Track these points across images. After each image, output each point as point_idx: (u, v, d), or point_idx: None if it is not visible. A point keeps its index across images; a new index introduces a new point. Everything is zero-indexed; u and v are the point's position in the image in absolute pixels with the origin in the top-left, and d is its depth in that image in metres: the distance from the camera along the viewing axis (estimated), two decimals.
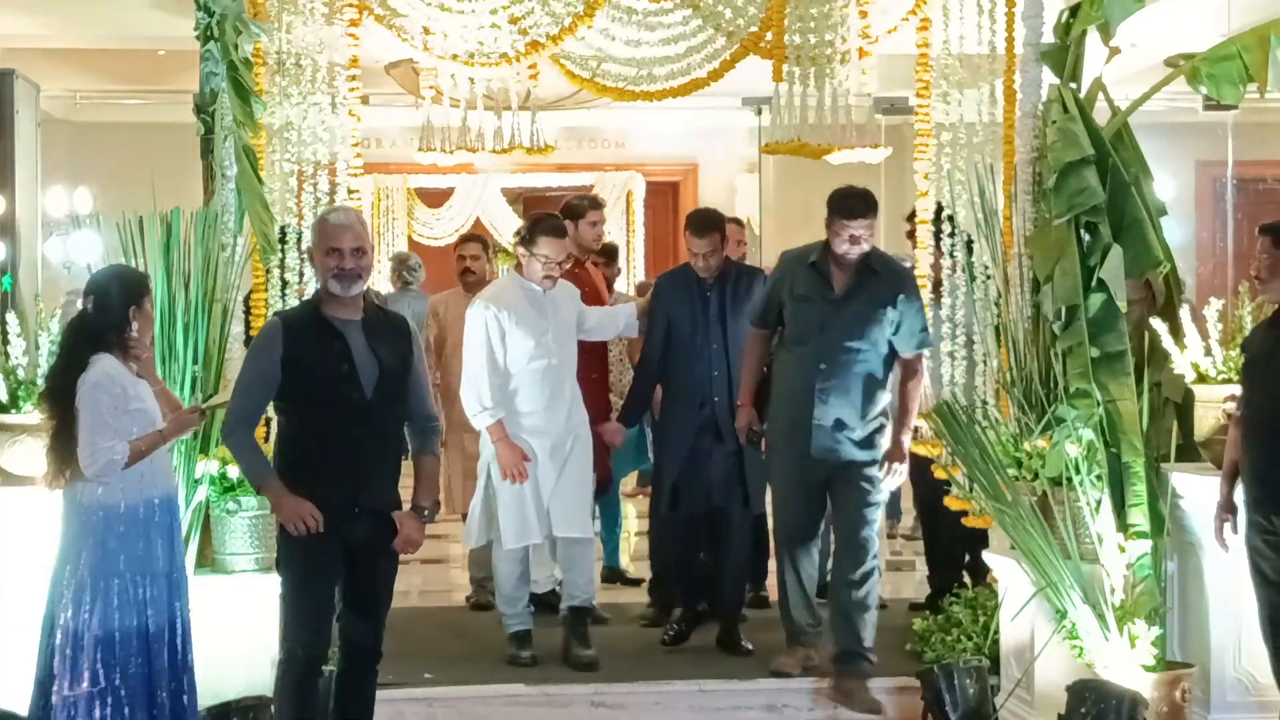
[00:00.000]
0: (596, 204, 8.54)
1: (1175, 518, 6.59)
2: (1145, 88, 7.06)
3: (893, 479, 6.97)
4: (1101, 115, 6.99)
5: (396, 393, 5.60)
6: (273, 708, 5.58)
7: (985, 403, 7.22)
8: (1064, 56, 7.02)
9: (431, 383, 8.70)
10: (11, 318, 6.53)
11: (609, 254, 9.51)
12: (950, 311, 7.53)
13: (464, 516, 8.53)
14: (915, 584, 9.10)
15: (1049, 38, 7.11)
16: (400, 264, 13.20)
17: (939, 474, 7.21)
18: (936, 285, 7.76)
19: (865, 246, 6.72)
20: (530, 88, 10.97)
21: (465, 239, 9.42)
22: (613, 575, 9.19)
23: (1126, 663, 6.21)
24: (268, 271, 7.15)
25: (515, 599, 7.36)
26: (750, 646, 7.43)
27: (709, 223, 7.46)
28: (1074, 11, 6.98)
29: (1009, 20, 7.29)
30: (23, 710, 5.89)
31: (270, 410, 5.81)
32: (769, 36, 8.17)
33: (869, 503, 6.84)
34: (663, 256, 17.16)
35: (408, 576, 8.66)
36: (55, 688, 5.50)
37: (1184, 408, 6.78)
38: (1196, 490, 6.46)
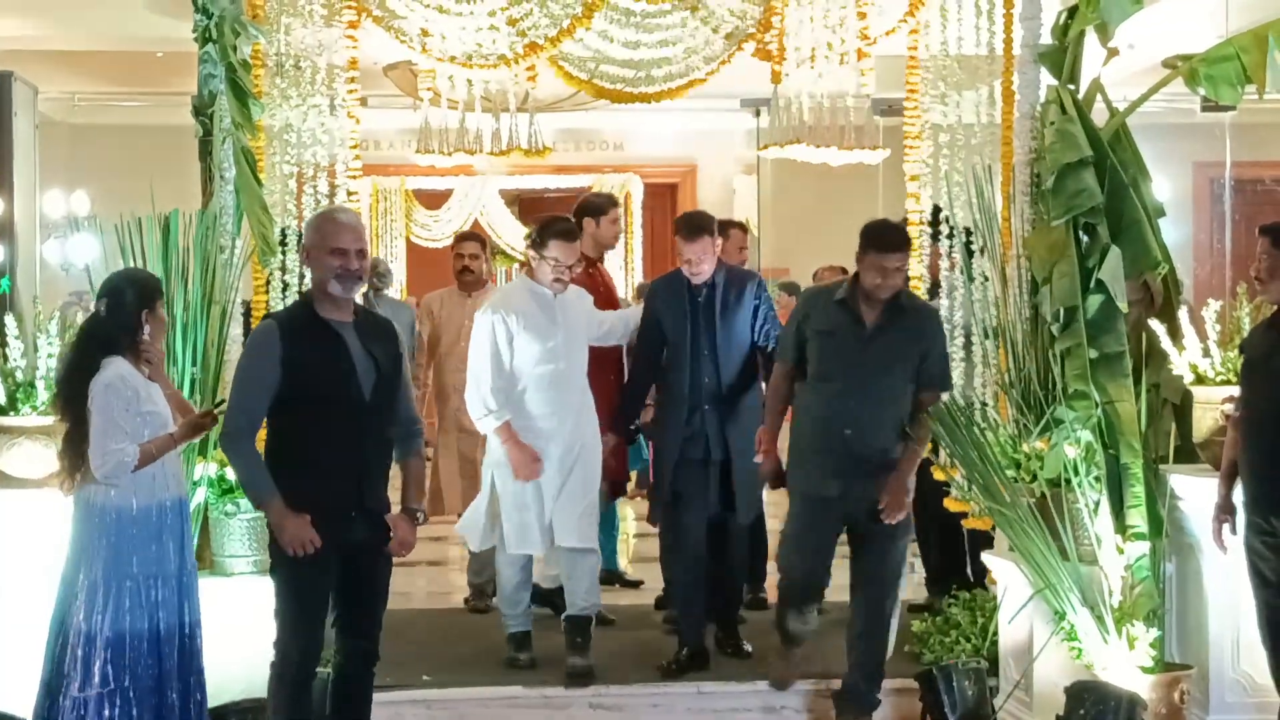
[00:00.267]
0: (615, 202, 8.42)
1: (1173, 519, 6.59)
2: (1143, 89, 7.06)
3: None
4: (1100, 116, 6.99)
5: (391, 394, 5.59)
6: (270, 709, 5.56)
7: (985, 404, 7.21)
8: (1062, 57, 7.02)
9: (423, 383, 8.75)
10: (10, 320, 6.53)
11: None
12: (949, 313, 7.52)
13: (459, 516, 8.55)
14: (914, 584, 9.08)
15: (1047, 39, 7.11)
16: (370, 270, 13.13)
17: (938, 475, 7.21)
18: (934, 287, 7.75)
19: (898, 282, 6.48)
20: (528, 89, 10.98)
21: (463, 237, 9.32)
22: (610, 578, 9.18)
23: (1125, 664, 6.21)
24: (269, 274, 7.14)
25: (516, 600, 7.30)
26: (750, 648, 7.38)
27: (698, 226, 7.24)
28: (1072, 13, 6.98)
29: (1007, 21, 7.28)
30: (21, 711, 5.90)
31: None
32: (768, 38, 8.17)
33: (898, 541, 6.61)
34: (661, 258, 17.15)
35: (410, 579, 8.67)
36: (65, 688, 5.52)
37: (1182, 409, 6.78)
38: (1195, 491, 6.46)
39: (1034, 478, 6.48)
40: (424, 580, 10.15)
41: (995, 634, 6.86)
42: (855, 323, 6.48)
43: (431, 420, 8.68)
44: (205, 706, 5.75)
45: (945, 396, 6.62)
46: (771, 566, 8.54)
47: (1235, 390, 6.20)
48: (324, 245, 5.45)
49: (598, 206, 8.14)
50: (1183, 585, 6.63)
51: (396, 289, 17.92)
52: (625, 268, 17.04)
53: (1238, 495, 6.01)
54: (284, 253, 7.15)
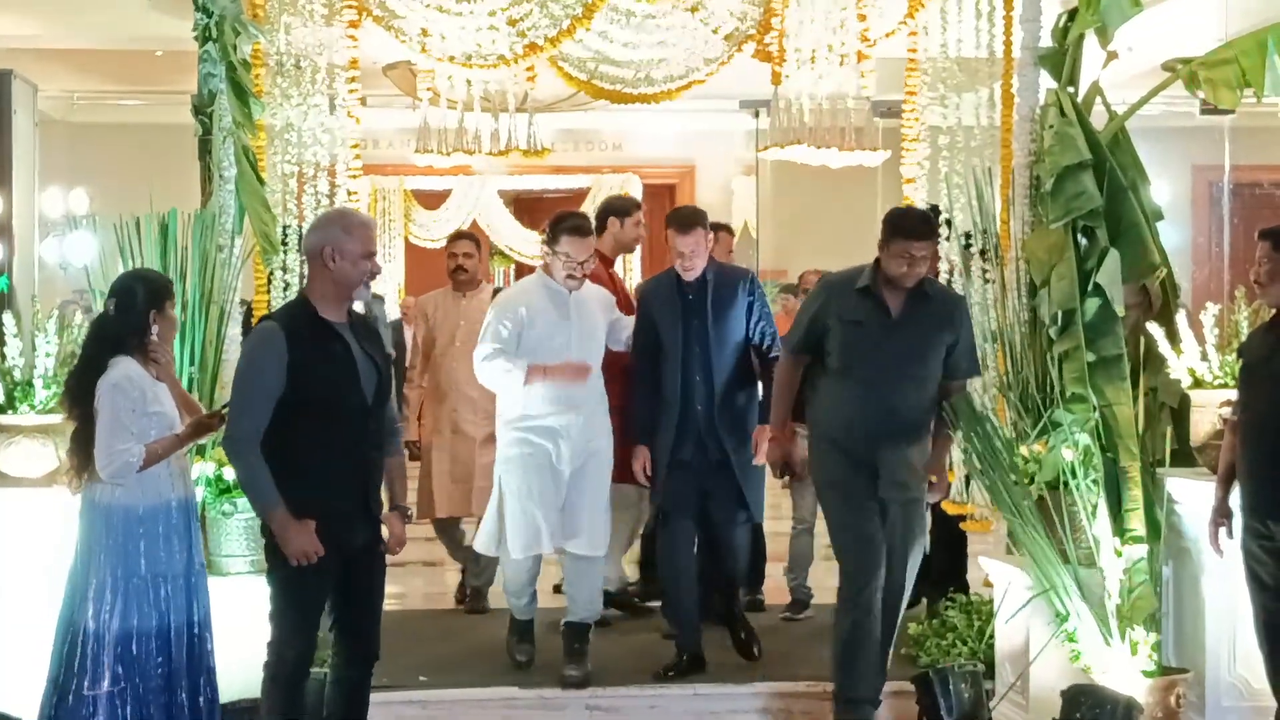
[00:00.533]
0: (639, 205, 8.33)
1: (1171, 523, 6.60)
2: (1142, 92, 7.06)
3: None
4: (1099, 119, 7.00)
5: (388, 395, 5.60)
6: (263, 710, 5.55)
7: (984, 406, 7.21)
8: (1061, 60, 7.02)
9: (416, 385, 8.71)
10: (8, 318, 6.53)
11: None
12: None
13: (436, 521, 8.52)
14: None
15: (1046, 41, 7.11)
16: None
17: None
18: None
19: (923, 270, 6.36)
20: (528, 89, 10.98)
21: (458, 236, 9.18)
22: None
23: (1123, 667, 6.21)
24: (270, 273, 7.13)
25: (518, 592, 7.22)
26: (757, 650, 7.38)
27: (691, 219, 7.15)
28: (1072, 15, 6.99)
29: (1007, 24, 7.28)
30: (19, 709, 5.90)
31: None
32: (767, 39, 8.17)
33: (920, 538, 6.54)
34: (660, 260, 17.11)
35: (407, 579, 8.66)
36: (74, 687, 5.52)
37: (1180, 412, 6.79)
38: (1192, 495, 6.47)
39: (1031, 480, 6.48)
40: (420, 581, 10.14)
41: (992, 637, 6.86)
42: (881, 311, 6.34)
43: (425, 421, 8.65)
44: (216, 705, 5.75)
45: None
46: (772, 568, 8.57)
47: (1233, 394, 6.21)
48: (359, 249, 5.39)
49: (622, 208, 8.14)
50: (1179, 589, 6.63)
51: (394, 290, 17.95)
52: (624, 268, 17.03)
53: (1235, 499, 6.01)
54: (285, 252, 7.14)
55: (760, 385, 7.21)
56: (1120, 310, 6.67)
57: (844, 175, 9.89)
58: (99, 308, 6.05)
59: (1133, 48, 7.15)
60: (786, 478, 7.63)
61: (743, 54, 8.48)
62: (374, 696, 5.79)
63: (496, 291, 8.64)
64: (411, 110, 12.60)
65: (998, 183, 7.26)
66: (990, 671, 6.77)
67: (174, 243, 6.69)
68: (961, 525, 7.31)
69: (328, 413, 5.33)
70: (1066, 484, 6.42)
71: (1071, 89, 6.99)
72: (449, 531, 8.70)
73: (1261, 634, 5.94)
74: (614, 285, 7.82)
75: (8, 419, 6.46)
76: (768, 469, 7.21)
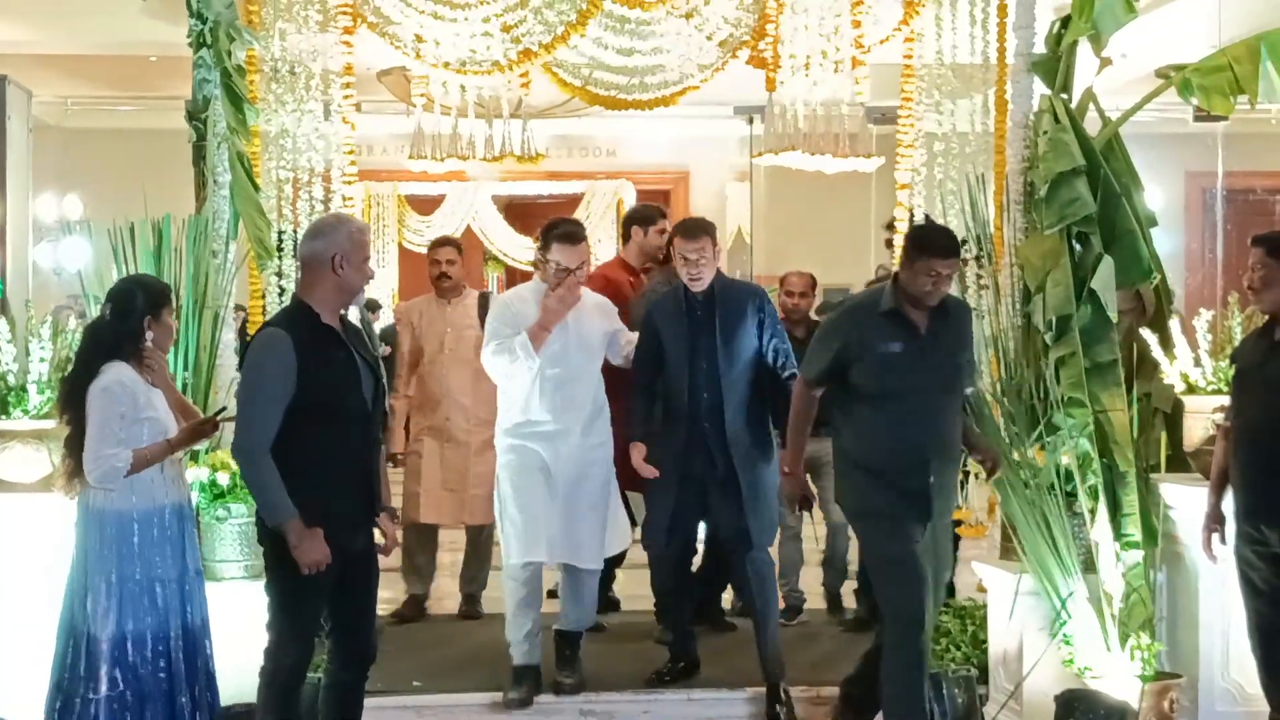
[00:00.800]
0: (663, 213, 8.25)
1: (1165, 528, 6.60)
2: (1136, 98, 7.08)
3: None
4: (1093, 126, 7.01)
5: (383, 398, 5.61)
6: (259, 717, 5.54)
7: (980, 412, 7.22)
8: (1055, 67, 7.03)
9: (402, 394, 8.63)
10: (2, 324, 6.52)
11: None
12: None
13: (414, 526, 8.46)
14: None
15: (1040, 48, 7.13)
16: None
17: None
18: None
19: (947, 288, 6.16)
20: (521, 95, 10.98)
21: (440, 243, 8.95)
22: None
23: (1118, 672, 6.22)
24: (265, 279, 7.13)
25: (520, 623, 6.85)
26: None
27: (698, 226, 7.03)
28: (1065, 22, 7.00)
29: (1000, 30, 7.30)
30: (17, 713, 5.90)
31: None
32: (762, 45, 8.18)
33: (951, 558, 6.44)
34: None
35: (400, 584, 8.63)
36: (77, 691, 5.53)
37: (1173, 418, 6.80)
38: (1186, 501, 6.48)
39: (1027, 486, 6.49)
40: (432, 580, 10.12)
41: (985, 642, 6.87)
42: (910, 333, 6.12)
43: (415, 428, 8.58)
44: (217, 710, 5.75)
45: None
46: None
47: (1226, 400, 6.21)
48: (362, 255, 5.43)
49: (646, 216, 8.11)
50: (1173, 594, 6.64)
51: (389, 295, 17.94)
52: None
53: (1228, 505, 6.02)
54: (280, 258, 7.13)
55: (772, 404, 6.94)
56: (1113, 316, 6.68)
57: (838, 181, 9.89)
58: (94, 313, 6.06)
59: (1126, 54, 7.17)
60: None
61: (737, 60, 8.48)
62: (367, 702, 5.78)
63: (482, 297, 8.62)
64: (406, 116, 12.61)
65: (991, 189, 7.26)
66: (984, 676, 6.78)
67: (168, 248, 6.69)
68: (957, 530, 7.31)
69: (332, 418, 5.32)
70: (1066, 489, 6.43)
71: (1065, 95, 7.00)
72: (423, 539, 8.51)
73: (1255, 639, 5.95)
74: (627, 290, 7.79)
75: (2, 424, 6.45)
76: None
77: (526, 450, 6.84)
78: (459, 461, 8.34)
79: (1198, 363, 6.65)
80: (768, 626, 6.83)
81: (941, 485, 6.09)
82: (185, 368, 6.67)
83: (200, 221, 6.85)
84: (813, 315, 8.69)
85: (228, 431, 6.58)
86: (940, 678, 6.54)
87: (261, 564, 5.97)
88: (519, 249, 18.49)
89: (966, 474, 6.94)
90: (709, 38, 8.21)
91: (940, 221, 7.48)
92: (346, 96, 7.36)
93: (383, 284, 17.33)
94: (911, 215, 7.74)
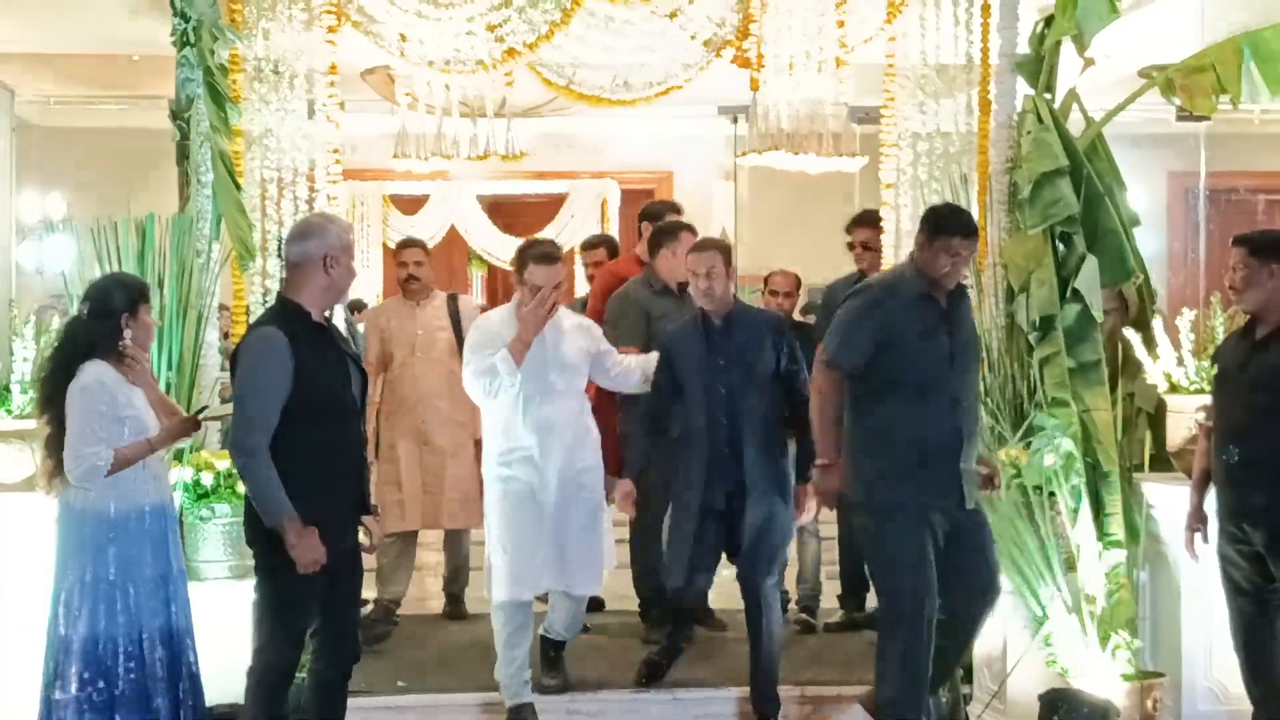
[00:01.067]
0: (685, 227, 7.97)
1: (1147, 527, 6.63)
2: (1119, 98, 7.10)
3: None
4: (1076, 126, 7.03)
5: (366, 396, 5.62)
6: (246, 717, 5.53)
7: None
8: (1039, 67, 7.06)
9: (371, 398, 8.53)
10: None
11: (610, 248, 9.05)
12: None
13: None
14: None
15: (1024, 48, 7.14)
16: None
17: None
18: None
19: (965, 268, 6.09)
20: (505, 95, 10.97)
21: (407, 244, 8.81)
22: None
23: (1101, 672, 6.24)
24: (249, 278, 7.11)
25: (511, 656, 6.67)
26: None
27: (707, 242, 6.89)
28: (1049, 22, 7.02)
29: (984, 30, 7.30)
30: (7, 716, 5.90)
31: None
32: (746, 45, 8.18)
33: (994, 567, 6.17)
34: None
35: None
36: (48, 692, 5.52)
37: (1156, 418, 6.82)
38: (1169, 500, 6.50)
39: (1008, 485, 6.50)
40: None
41: None
42: (939, 317, 6.01)
43: (389, 433, 8.40)
44: (201, 712, 5.73)
45: None
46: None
47: (1209, 399, 6.23)
48: (350, 255, 5.47)
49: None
50: (1156, 593, 6.66)
51: (373, 297, 17.93)
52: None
53: (1210, 504, 6.04)
54: (265, 257, 7.11)
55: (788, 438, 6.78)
56: (1098, 316, 6.70)
57: (822, 181, 9.89)
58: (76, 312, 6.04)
59: (1110, 54, 7.18)
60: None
61: (721, 60, 8.48)
62: (351, 702, 5.79)
63: (450, 298, 8.54)
64: (389, 115, 12.59)
65: (975, 189, 7.26)
66: (968, 676, 6.79)
67: (152, 247, 6.68)
68: None
69: (325, 416, 5.34)
70: (1050, 489, 6.44)
71: (1049, 95, 7.02)
72: (401, 545, 8.29)
73: (1237, 638, 5.97)
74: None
75: None
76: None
77: (513, 480, 6.64)
78: (435, 465, 8.23)
79: (1181, 362, 6.67)
80: (764, 656, 6.68)
81: (970, 475, 6.00)
82: (169, 367, 6.67)
83: (184, 221, 6.85)
84: (796, 316, 8.69)
85: (212, 431, 6.61)
86: None
87: (246, 564, 5.98)
88: (503, 248, 18.46)
89: None
90: (693, 37, 8.20)
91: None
92: (331, 96, 7.34)
93: (367, 285, 17.29)
94: (877, 216, 7.71)
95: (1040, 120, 6.91)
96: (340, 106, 7.50)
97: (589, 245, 8.82)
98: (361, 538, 5.60)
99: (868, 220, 8.08)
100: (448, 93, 11.21)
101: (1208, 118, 7.87)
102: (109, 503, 5.55)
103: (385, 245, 18.51)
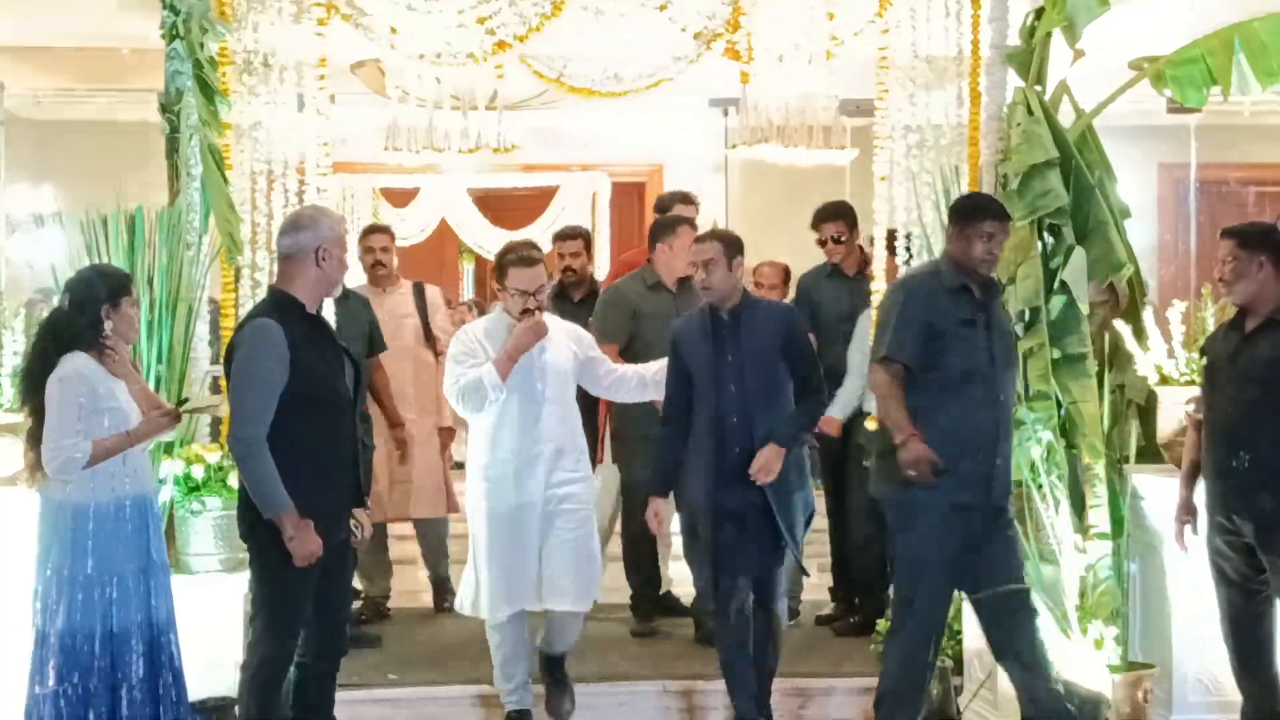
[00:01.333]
0: (681, 221, 7.95)
1: (1137, 519, 6.63)
2: (1110, 90, 7.09)
3: None
4: (1066, 118, 7.03)
5: (361, 387, 5.63)
6: (242, 712, 5.52)
7: None
8: (1029, 59, 7.05)
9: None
10: None
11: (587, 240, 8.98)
12: None
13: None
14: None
15: (1014, 40, 7.14)
16: None
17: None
18: None
19: (1000, 251, 6.01)
20: (496, 88, 10.96)
21: (373, 230, 8.70)
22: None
23: (1088, 663, 6.24)
24: (238, 271, 7.10)
25: (509, 673, 6.62)
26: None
27: (708, 233, 6.73)
28: (1039, 14, 7.02)
29: (974, 22, 7.29)
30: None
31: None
32: (736, 38, 8.17)
33: (1019, 560, 6.08)
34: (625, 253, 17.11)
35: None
36: (30, 687, 5.51)
37: (1147, 409, 6.82)
38: (1158, 491, 6.50)
39: None
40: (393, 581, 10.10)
41: (960, 633, 6.88)
42: (977, 309, 5.92)
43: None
44: (184, 706, 5.71)
45: None
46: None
47: (1199, 391, 6.23)
48: (342, 248, 5.48)
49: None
50: (1146, 585, 6.66)
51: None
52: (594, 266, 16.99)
53: (1199, 496, 6.05)
54: (254, 250, 7.10)
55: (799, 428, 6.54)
56: (1085, 308, 6.70)
57: (813, 174, 9.91)
58: None
59: (1100, 46, 7.17)
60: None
61: (712, 52, 8.48)
62: (342, 695, 5.80)
63: (416, 286, 8.51)
64: (380, 108, 12.57)
65: (966, 181, 7.26)
66: (959, 668, 6.80)
67: (141, 241, 6.66)
68: None
69: (321, 408, 5.36)
70: (1035, 481, 6.44)
71: (1039, 87, 7.02)
72: (376, 540, 8.04)
73: (1226, 629, 5.98)
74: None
75: None
76: (798, 505, 6.50)
77: (496, 493, 6.51)
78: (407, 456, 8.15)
79: (1171, 354, 6.68)
80: (766, 670, 6.53)
81: (1007, 472, 5.95)
82: (159, 360, 6.65)
83: (174, 214, 6.83)
84: None
85: (202, 424, 6.60)
86: None
87: (237, 557, 5.98)
88: (493, 241, 18.44)
89: None
90: (683, 29, 8.18)
91: (914, 214, 7.49)
92: (320, 89, 7.33)
93: (357, 277, 17.26)
94: (892, 234, 7.65)
95: (1030, 112, 6.91)
96: (330, 99, 7.50)
97: (566, 236, 8.77)
98: (353, 528, 5.60)
99: (832, 214, 8.08)
100: (438, 85, 11.19)
101: (1198, 110, 7.85)
102: (88, 496, 5.53)
103: None
